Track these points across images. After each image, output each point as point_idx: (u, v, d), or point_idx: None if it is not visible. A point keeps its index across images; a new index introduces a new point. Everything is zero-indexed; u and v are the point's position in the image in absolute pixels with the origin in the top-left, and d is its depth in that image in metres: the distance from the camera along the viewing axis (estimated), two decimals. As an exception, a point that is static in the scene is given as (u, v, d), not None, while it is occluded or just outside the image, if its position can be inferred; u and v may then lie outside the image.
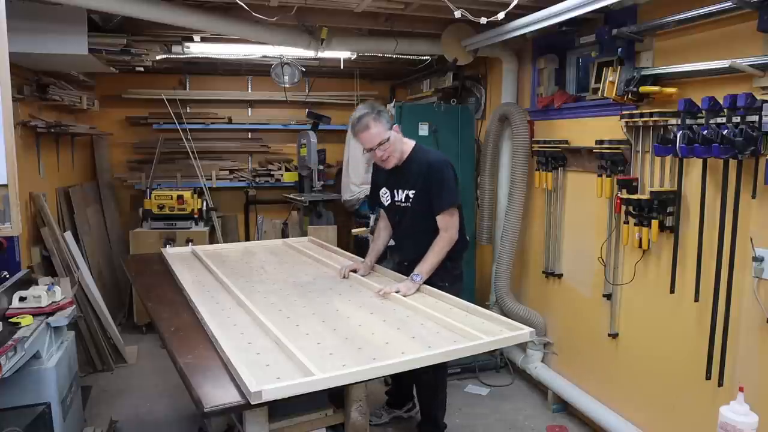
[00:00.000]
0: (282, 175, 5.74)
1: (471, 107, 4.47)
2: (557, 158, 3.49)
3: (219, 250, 3.57)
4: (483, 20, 2.74)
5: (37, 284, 2.81)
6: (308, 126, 5.22)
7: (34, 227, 3.84)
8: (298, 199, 4.95)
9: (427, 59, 4.72)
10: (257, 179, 5.73)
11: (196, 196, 4.98)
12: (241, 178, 5.73)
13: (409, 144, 2.83)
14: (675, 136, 2.39)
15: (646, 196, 2.66)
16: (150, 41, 4.02)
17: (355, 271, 2.87)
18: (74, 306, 2.79)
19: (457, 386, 3.78)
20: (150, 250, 4.16)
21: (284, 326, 2.06)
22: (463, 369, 3.89)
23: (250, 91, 5.90)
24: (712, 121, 2.30)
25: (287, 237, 4.66)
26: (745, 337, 2.34)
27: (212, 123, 5.69)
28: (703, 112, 2.33)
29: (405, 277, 2.70)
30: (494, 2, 2.94)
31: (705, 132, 2.26)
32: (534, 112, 3.77)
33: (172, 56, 4.45)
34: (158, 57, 4.32)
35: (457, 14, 2.61)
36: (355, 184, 5.11)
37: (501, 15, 2.66)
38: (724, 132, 2.18)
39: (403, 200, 2.83)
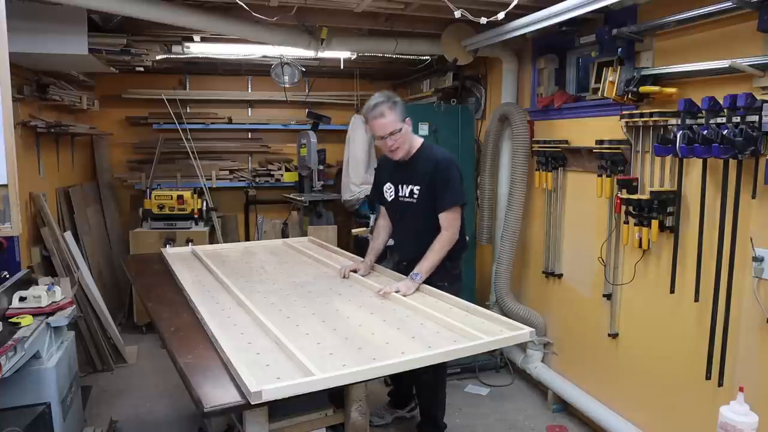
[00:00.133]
0: (282, 175, 5.75)
1: (471, 107, 4.47)
2: (557, 158, 3.49)
3: (219, 250, 3.57)
4: (483, 20, 2.74)
5: (37, 284, 2.81)
6: (308, 126, 5.23)
7: (34, 227, 3.84)
8: (298, 199, 4.95)
9: (427, 59, 4.72)
10: (257, 179, 5.73)
11: (196, 196, 4.98)
12: (241, 178, 5.73)
13: (418, 140, 2.86)
14: (675, 136, 2.39)
15: (646, 196, 2.66)
16: (150, 41, 4.02)
17: (355, 271, 2.87)
18: (74, 306, 2.79)
19: (457, 386, 3.78)
20: (150, 250, 4.16)
21: (284, 326, 2.06)
22: (463, 369, 3.89)
23: (250, 91, 5.90)
24: (712, 121, 2.29)
25: (287, 237, 4.67)
26: (745, 337, 2.34)
27: (212, 123, 5.69)
28: (703, 112, 2.33)
29: (405, 276, 2.69)
30: (494, 2, 2.94)
31: (705, 132, 2.26)
32: (534, 112, 3.77)
33: (172, 56, 4.45)
34: (158, 57, 4.32)
35: (457, 14, 2.62)
36: (355, 184, 5.11)
37: (501, 15, 2.66)
38: (724, 132, 2.18)
39: (407, 195, 2.83)
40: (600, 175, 3.01)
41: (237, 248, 3.68)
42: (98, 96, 5.28)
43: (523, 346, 3.82)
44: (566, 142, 3.41)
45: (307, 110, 5.35)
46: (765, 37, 2.17)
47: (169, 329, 2.11)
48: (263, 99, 5.85)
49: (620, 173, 2.92)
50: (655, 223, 2.64)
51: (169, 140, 5.49)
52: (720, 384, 2.37)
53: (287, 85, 4.97)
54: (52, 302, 2.64)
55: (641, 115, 2.67)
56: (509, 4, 2.70)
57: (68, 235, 4.12)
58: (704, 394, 2.48)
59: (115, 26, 3.64)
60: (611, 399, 3.14)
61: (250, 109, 5.95)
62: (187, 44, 4.23)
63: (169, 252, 3.38)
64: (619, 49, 2.77)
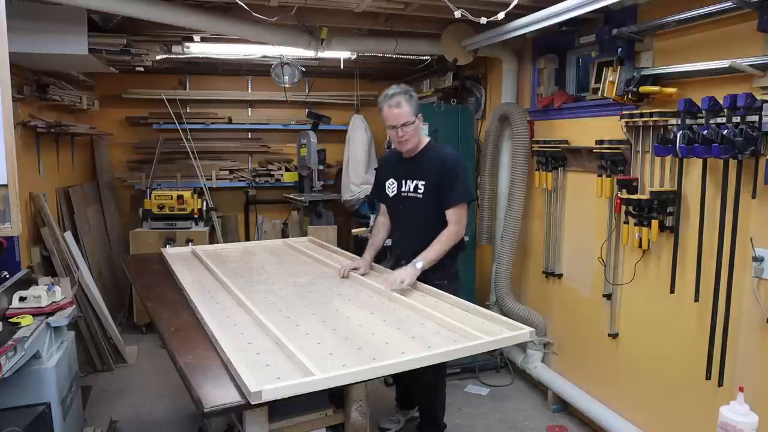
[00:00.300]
0: (282, 175, 5.75)
1: (471, 107, 4.47)
2: (557, 158, 3.49)
3: (219, 250, 3.57)
4: (483, 20, 2.74)
5: (37, 284, 2.81)
6: (308, 126, 5.23)
7: (34, 227, 3.84)
8: (298, 199, 4.95)
9: (427, 59, 4.72)
10: (257, 179, 5.74)
11: (196, 196, 4.98)
12: (241, 178, 5.73)
13: (425, 138, 2.93)
14: (675, 136, 2.39)
15: (646, 196, 2.66)
16: (150, 41, 4.02)
17: (355, 269, 2.87)
18: (74, 306, 2.79)
19: (457, 386, 3.78)
20: (150, 250, 4.16)
21: (284, 326, 2.06)
22: (463, 369, 3.89)
23: (250, 91, 5.90)
24: (712, 121, 2.29)
25: (287, 237, 4.67)
26: (745, 337, 2.34)
27: (212, 123, 5.69)
28: (703, 112, 2.33)
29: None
30: (494, 2, 2.94)
31: (705, 132, 2.26)
32: (534, 112, 3.77)
33: (172, 56, 4.45)
34: (158, 57, 4.32)
35: (457, 14, 2.62)
36: (355, 184, 5.12)
37: (501, 15, 2.66)
38: (724, 132, 2.18)
39: (411, 190, 2.85)
40: (600, 175, 3.01)
41: (237, 248, 3.68)
42: (98, 96, 5.28)
43: (523, 346, 3.82)
44: (566, 142, 3.41)
45: (307, 110, 5.36)
46: (765, 37, 2.17)
47: (169, 329, 2.11)
48: (263, 99, 5.86)
49: (620, 173, 2.92)
50: (655, 223, 2.64)
51: (169, 140, 5.50)
52: (720, 384, 2.37)
53: (287, 85, 4.97)
54: (52, 302, 2.64)
55: (641, 115, 2.67)
56: (509, 4, 2.70)
57: (68, 235, 4.12)
58: (704, 394, 2.48)
59: (115, 26, 3.64)
60: (611, 399, 3.14)
61: (250, 109, 5.95)
62: (187, 44, 4.23)
63: (169, 252, 3.38)
64: (619, 49, 2.77)
